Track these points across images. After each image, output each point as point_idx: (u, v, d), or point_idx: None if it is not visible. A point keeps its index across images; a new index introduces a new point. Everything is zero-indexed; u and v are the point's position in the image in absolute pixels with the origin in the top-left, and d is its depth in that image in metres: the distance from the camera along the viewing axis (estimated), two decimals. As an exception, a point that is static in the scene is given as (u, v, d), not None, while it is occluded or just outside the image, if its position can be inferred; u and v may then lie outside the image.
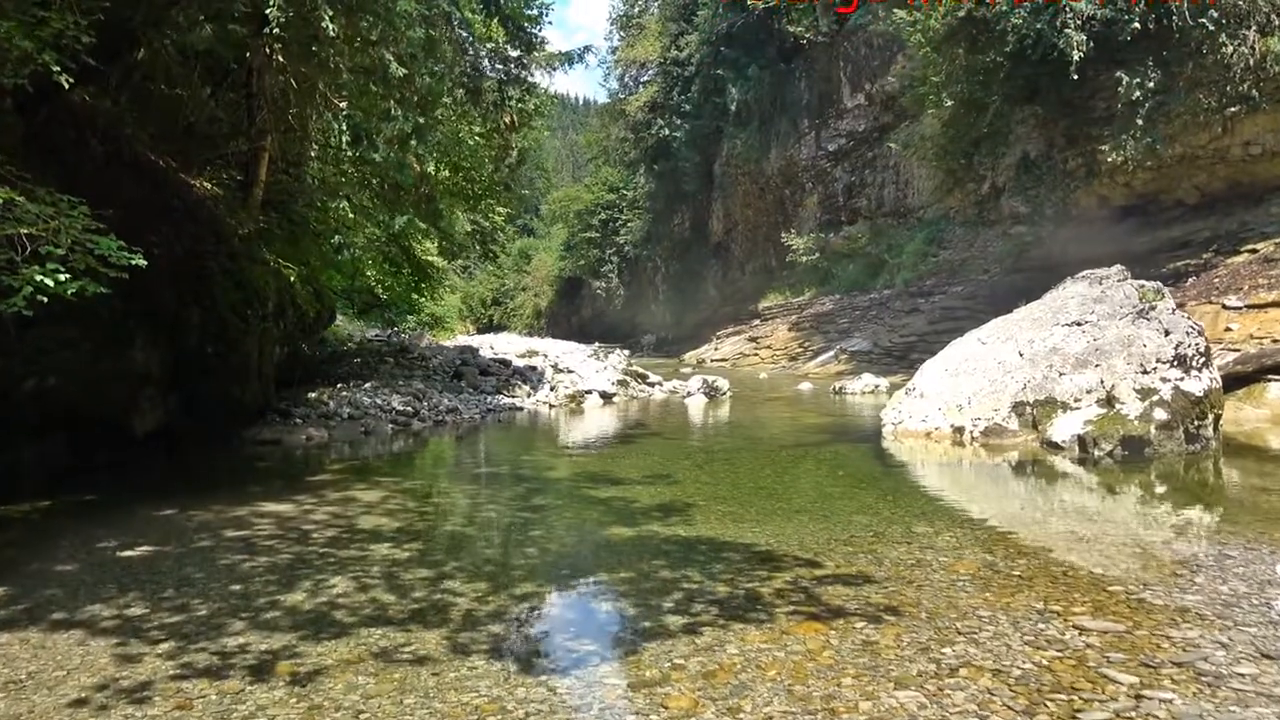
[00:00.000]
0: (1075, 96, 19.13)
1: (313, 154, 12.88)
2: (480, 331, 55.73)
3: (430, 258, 21.72)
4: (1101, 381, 9.39)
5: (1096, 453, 8.55)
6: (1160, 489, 7.49)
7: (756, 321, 37.85)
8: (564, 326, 66.89)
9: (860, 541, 5.45)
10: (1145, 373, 9.16)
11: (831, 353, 27.22)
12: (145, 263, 5.11)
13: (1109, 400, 9.10)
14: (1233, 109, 16.37)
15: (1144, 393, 8.90)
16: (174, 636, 3.78)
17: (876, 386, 18.03)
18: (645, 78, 47.95)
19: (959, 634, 3.60)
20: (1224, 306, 15.40)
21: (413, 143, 7.94)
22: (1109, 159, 17.32)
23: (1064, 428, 9.09)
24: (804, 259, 36.27)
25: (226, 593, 4.43)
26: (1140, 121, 16.46)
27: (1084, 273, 11.53)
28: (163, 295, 9.13)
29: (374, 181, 16.39)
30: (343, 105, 7.85)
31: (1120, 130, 17.01)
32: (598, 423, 13.96)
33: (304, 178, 15.16)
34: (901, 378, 20.62)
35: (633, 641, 3.66)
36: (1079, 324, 10.44)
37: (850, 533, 5.72)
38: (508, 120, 11.24)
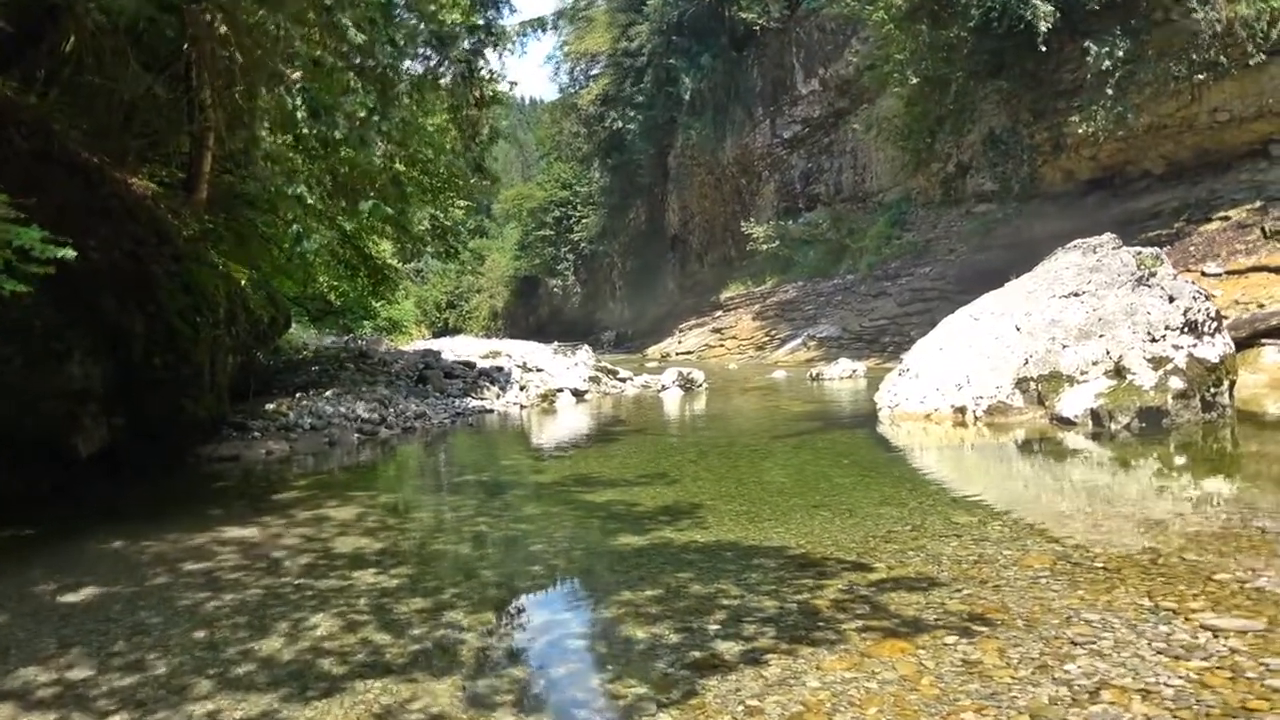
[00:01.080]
0: (1041, 70, 18.89)
1: (262, 141, 12.05)
2: (436, 335, 54.59)
3: (387, 260, 20.88)
4: (1108, 352, 8.97)
5: (1113, 426, 8.12)
6: (1193, 461, 7.06)
7: (719, 313, 37.37)
8: (521, 326, 65.95)
9: (901, 537, 4.91)
10: (1154, 340, 8.75)
11: (799, 340, 26.82)
12: (74, 253, 4.38)
13: (1118, 371, 8.68)
14: (1201, 76, 16.19)
15: (1156, 362, 8.50)
16: (127, 706, 3.10)
17: (854, 371, 17.62)
18: (595, 70, 47.22)
19: (1074, 645, 3.05)
20: (1203, 274, 15.18)
21: (376, 118, 7.24)
22: (1079, 130, 17.08)
23: (1074, 402, 8.65)
24: (764, 247, 35.83)
25: (189, 642, 3.74)
26: (1110, 91, 16.22)
27: (1075, 242, 11.14)
28: (102, 302, 8.33)
29: (327, 179, 15.56)
30: (296, 76, 7.13)
31: (1089, 101, 16.77)
32: (574, 421, 13.32)
33: (252, 167, 14.30)
34: (875, 361, 20.35)
35: (688, 680, 3.05)
36: (1076, 295, 10.03)
37: (885, 528, 5.18)
38: (477, 94, 10.56)
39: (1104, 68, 15.96)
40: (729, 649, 3.31)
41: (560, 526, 5.92)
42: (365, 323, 34.77)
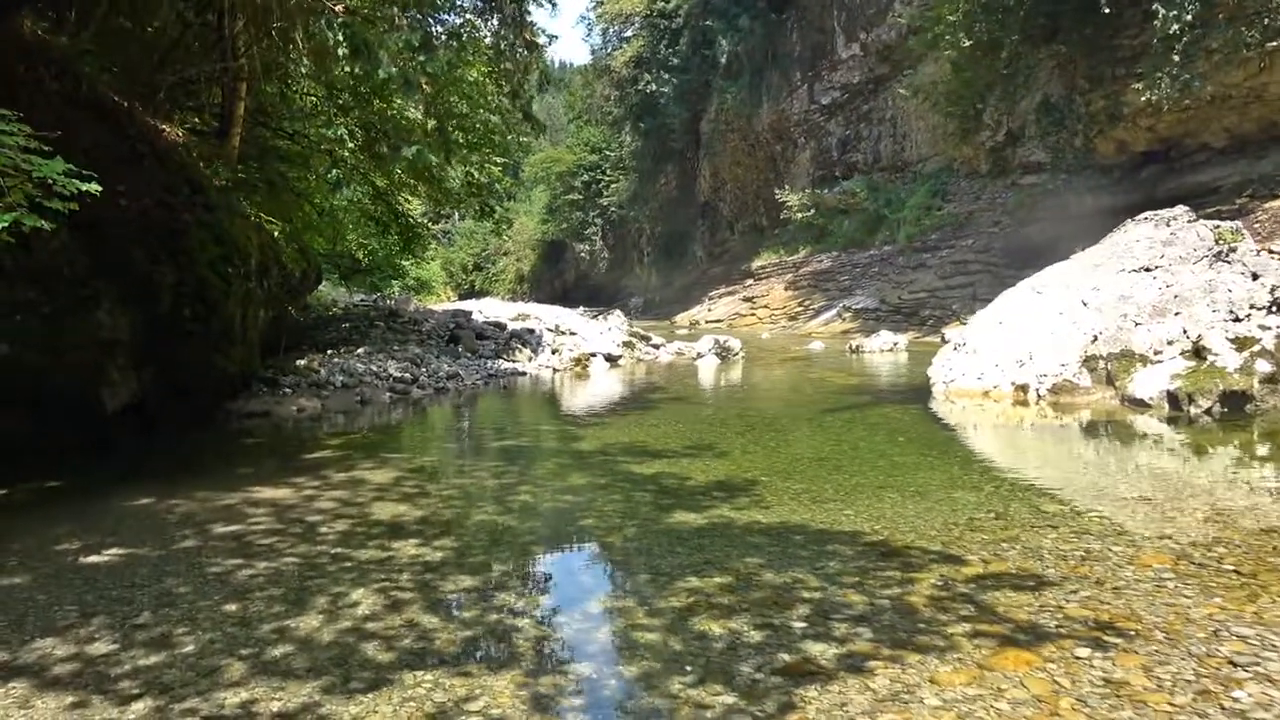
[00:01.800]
0: (1099, 35, 18.12)
1: (297, 85, 11.63)
2: (462, 298, 54.29)
3: (417, 218, 20.52)
4: (1184, 331, 8.47)
5: (1192, 410, 7.63)
6: (1285, 452, 6.58)
7: (750, 281, 36.81)
8: (547, 291, 65.63)
9: (987, 525, 4.50)
10: (1237, 320, 8.24)
11: (834, 311, 26.29)
12: (98, 188, 4.02)
13: (1197, 352, 8.18)
14: (1275, 43, 15.37)
15: (1240, 342, 7.98)
16: (151, 690, 2.77)
17: (895, 344, 17.13)
18: (629, 32, 46.34)
19: (1235, 666, 2.64)
20: (1270, 252, 14.50)
21: (420, 58, 6.81)
22: (1140, 99, 16.32)
23: (1148, 383, 8.17)
24: (799, 216, 35.13)
25: (220, 616, 3.42)
26: (1176, 58, 15.45)
27: (1146, 214, 10.55)
28: (132, 251, 8.01)
29: (360, 133, 15.17)
30: (339, 8, 6.71)
31: (1153, 68, 16.00)
32: (609, 387, 12.95)
33: (286, 117, 13.93)
34: (915, 335, 19.83)
35: (782, 689, 2.68)
36: (1148, 269, 9.50)
37: (966, 514, 4.78)
38: (527, 37, 10.10)
39: (1171, 32, 15.19)
40: (822, 652, 2.93)
41: (609, 499, 5.55)
42: (394, 282, 34.52)
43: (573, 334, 17.02)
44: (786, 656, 2.91)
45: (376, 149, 15.13)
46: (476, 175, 14.84)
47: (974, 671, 2.71)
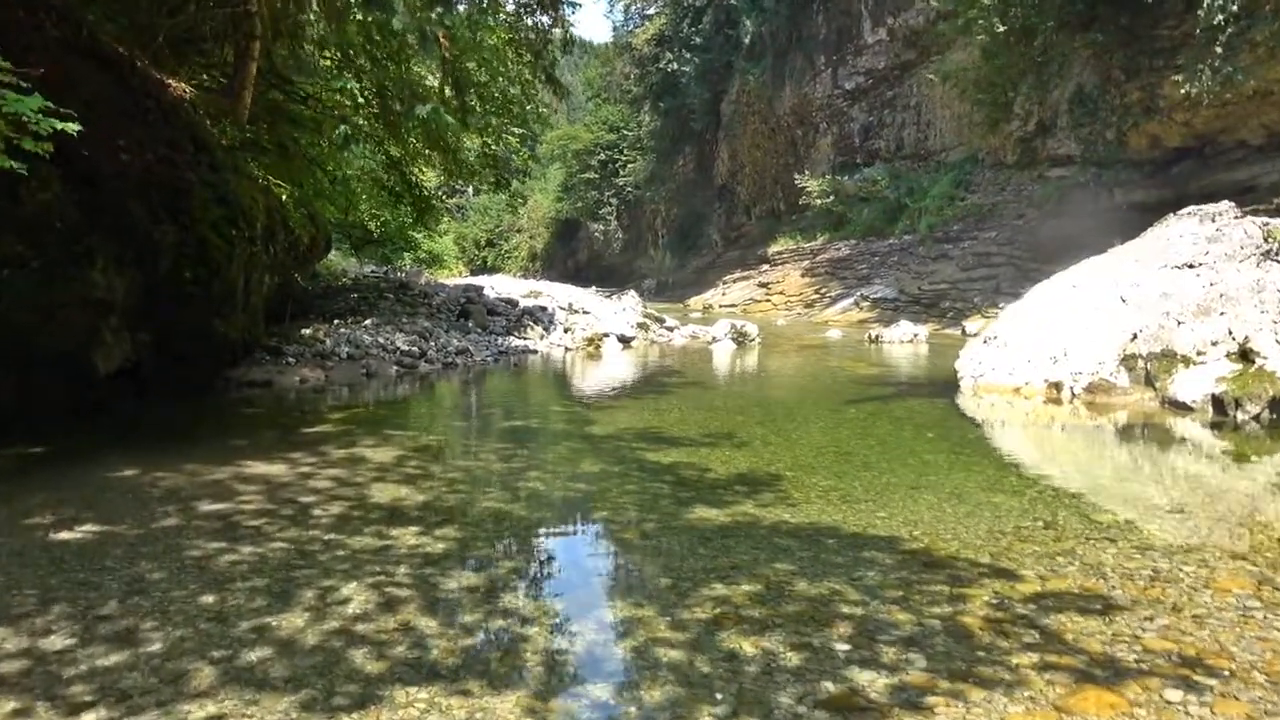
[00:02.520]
0: (1137, 24, 17.56)
1: (312, 39, 11.25)
2: (473, 273, 53.94)
3: (431, 190, 20.13)
4: (1230, 332, 8.05)
5: (1239, 415, 7.23)
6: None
7: (765, 267, 36.33)
8: (560, 270, 65.25)
9: (1037, 536, 4.13)
10: (1289, 324, 7.82)
11: (851, 299, 25.84)
12: (77, 126, 3.65)
13: (1244, 354, 7.76)
14: (1323, 38, 14.83)
15: (1292, 347, 7.57)
16: (106, 698, 2.42)
17: (915, 335, 16.71)
18: (652, 10, 45.70)
19: (1361, 726, 2.27)
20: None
21: (438, 9, 6.43)
22: (1179, 92, 15.78)
23: (1191, 385, 7.76)
24: (818, 202, 34.59)
25: (194, 609, 3.07)
26: (1219, 50, 14.91)
27: (1189, 209, 10.10)
28: (131, 208, 7.66)
29: (373, 97, 14.78)
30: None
31: (1194, 59, 15.46)
32: (623, 369, 12.59)
33: (302, 69, 13.54)
34: (934, 326, 19.38)
35: (832, 724, 2.32)
36: (1191, 266, 9.07)
37: (1011, 522, 4.41)
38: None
39: (1215, 23, 14.65)
40: (871, 682, 2.57)
41: (624, 490, 5.20)
42: (405, 254, 34.15)
43: (586, 313, 16.66)
44: (830, 686, 2.55)
45: (390, 114, 14.77)
46: (493, 145, 14.45)
47: (1050, 714, 2.35)
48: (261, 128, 12.49)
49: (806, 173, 36.07)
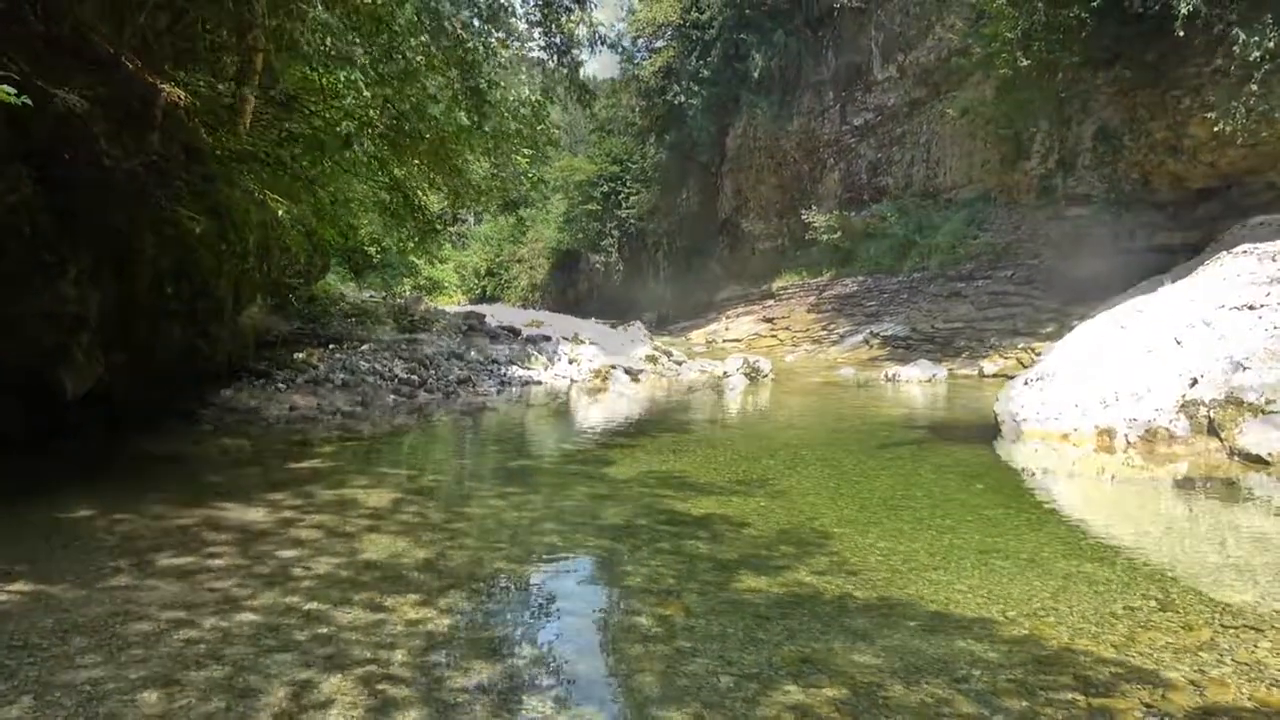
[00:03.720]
0: (1163, 62, 17.10)
1: (317, 51, 10.70)
2: (473, 302, 53.43)
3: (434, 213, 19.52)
4: (1303, 382, 7.40)
5: (1323, 474, 6.56)
6: None
7: (770, 302, 35.75)
8: (559, 301, 64.68)
9: (1156, 620, 3.45)
10: (1371, 373, 7.18)
11: (860, 336, 25.21)
12: (17, 96, 3.00)
13: (1322, 406, 7.12)
14: (1362, 78, 14.35)
15: (1378, 399, 6.92)
16: None
17: (934, 375, 16.06)
18: (660, 43, 45.49)
19: None
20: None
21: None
22: (1214, 129, 15.27)
23: (1264, 436, 7.09)
24: (825, 238, 34.12)
25: (132, 714, 2.36)
26: (1254, 87, 14.42)
27: (1244, 246, 9.52)
28: (110, 215, 7.01)
29: (379, 119, 14.23)
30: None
31: (1227, 96, 14.97)
32: (633, 404, 11.90)
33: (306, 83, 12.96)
34: (950, 365, 18.69)
35: None
36: (1251, 308, 8.45)
37: (1118, 600, 3.73)
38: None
39: (1251, 59, 14.17)
40: None
41: (655, 549, 4.50)
42: (406, 280, 33.61)
43: (593, 344, 15.99)
44: None
45: (397, 133, 14.22)
46: (501, 166, 13.89)
47: None
48: (260, 143, 11.91)
49: (814, 207, 35.63)
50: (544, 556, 4.21)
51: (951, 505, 5.94)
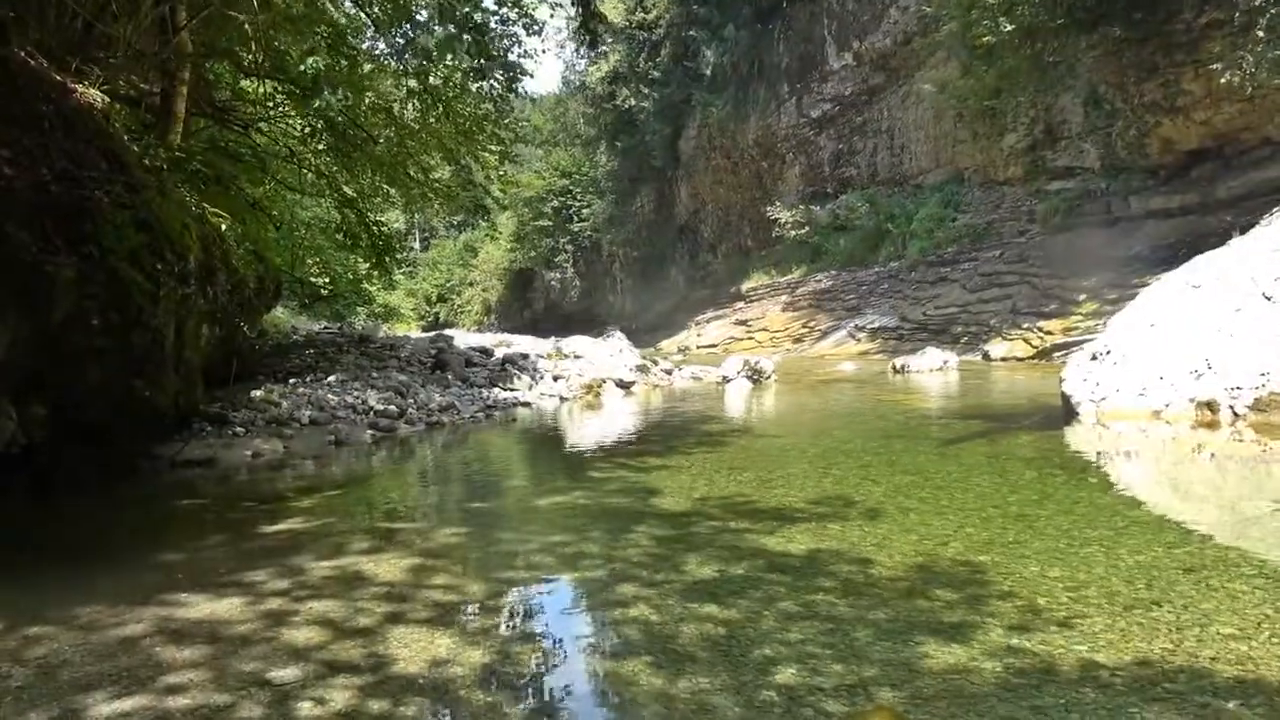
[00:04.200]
0: (1150, 19, 16.37)
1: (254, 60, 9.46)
2: (426, 330, 51.82)
3: (389, 232, 18.13)
4: None
5: None
6: None
7: (741, 304, 34.78)
8: (515, 321, 63.42)
9: None
10: None
11: (844, 331, 24.29)
12: None
13: None
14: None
15: None
16: None
17: (945, 363, 15.07)
18: (604, 47, 44.41)
19: None
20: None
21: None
22: (1216, 83, 14.49)
23: None
24: (792, 234, 33.23)
25: None
26: (1261, 33, 13.65)
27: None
28: (14, 235, 5.64)
29: (323, 128, 12.91)
30: None
31: (1232, 47, 14.20)
32: (638, 419, 10.67)
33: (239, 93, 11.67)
34: (951, 352, 17.72)
35: None
36: (1347, 257, 7.48)
37: None
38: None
39: (1255, 4, 13.41)
40: None
41: (787, 617, 3.25)
42: (359, 309, 31.97)
43: (578, 357, 14.73)
44: None
45: (347, 144, 12.90)
46: (472, 167, 12.65)
47: None
48: (196, 154, 10.53)
49: (778, 204, 34.75)
50: (645, 647, 2.95)
51: (1083, 509, 4.85)
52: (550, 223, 56.43)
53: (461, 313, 74.08)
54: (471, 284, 74.82)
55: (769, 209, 34.61)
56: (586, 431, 9.56)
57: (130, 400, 6.45)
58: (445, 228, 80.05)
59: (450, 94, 11.66)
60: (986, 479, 5.79)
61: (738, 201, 40.61)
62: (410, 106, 12.66)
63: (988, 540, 4.22)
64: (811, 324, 26.50)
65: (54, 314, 5.66)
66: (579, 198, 53.60)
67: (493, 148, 12.39)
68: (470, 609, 3.33)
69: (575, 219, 54.02)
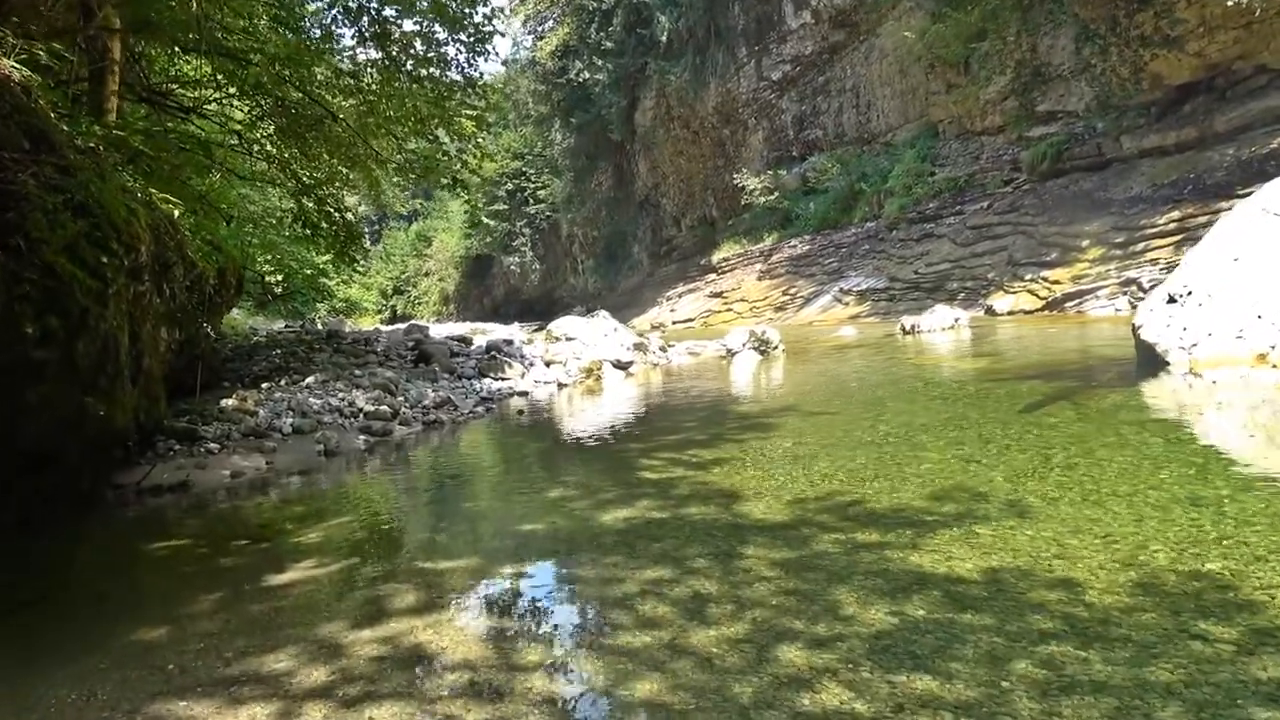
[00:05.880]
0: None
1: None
2: (386, 324, 50.23)
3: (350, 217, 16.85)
4: None
5: None
6: None
7: (713, 276, 33.87)
8: (475, 309, 62.18)
9: None
10: None
11: (828, 296, 23.47)
12: None
13: None
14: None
15: None
16: None
17: (956, 321, 14.28)
18: (551, 21, 42.98)
19: None
20: None
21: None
22: (1230, 2, 13.73)
23: None
24: (761, 200, 32.33)
25: None
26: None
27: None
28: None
29: (271, 107, 11.71)
30: None
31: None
32: (655, 401, 9.70)
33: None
34: (960, 309, 16.97)
35: None
36: None
37: None
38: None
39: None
40: None
41: (1013, 682, 2.33)
42: (319, 305, 30.55)
43: (570, 340, 13.68)
44: None
45: (300, 124, 11.69)
46: (443, 139, 11.50)
47: None
48: (135, 139, 9.29)
49: (745, 171, 33.81)
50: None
51: (1265, 489, 4.00)
52: (505, 206, 54.98)
53: (419, 304, 72.48)
54: (427, 274, 73.21)
55: (736, 177, 33.69)
56: (603, 421, 8.55)
57: (82, 421, 5.32)
58: (395, 219, 78.15)
59: (413, 59, 10.52)
60: (1113, 453, 4.91)
61: (700, 172, 39.60)
62: (370, 77, 11.48)
63: (1191, 538, 3.34)
64: (792, 291, 25.66)
65: (-23, 322, 4.53)
66: (533, 179, 52.27)
67: (467, 113, 11.28)
68: (599, 707, 2.34)
69: (531, 201, 52.71)
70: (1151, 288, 13.40)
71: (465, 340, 15.50)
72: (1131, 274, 13.98)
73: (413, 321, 19.06)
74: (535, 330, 22.49)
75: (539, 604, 3.26)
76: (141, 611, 3.50)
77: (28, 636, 3.32)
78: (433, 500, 5.51)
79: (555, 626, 2.98)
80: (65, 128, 6.98)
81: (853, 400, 8.05)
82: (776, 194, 31.99)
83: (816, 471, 5.05)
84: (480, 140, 12.55)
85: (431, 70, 10.82)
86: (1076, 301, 14.48)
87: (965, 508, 4.04)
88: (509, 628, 2.93)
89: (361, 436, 7.77)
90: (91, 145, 7.00)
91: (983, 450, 5.26)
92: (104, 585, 4.03)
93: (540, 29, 43.47)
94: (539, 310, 54.06)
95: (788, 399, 8.53)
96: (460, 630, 2.90)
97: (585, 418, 8.93)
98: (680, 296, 34.68)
